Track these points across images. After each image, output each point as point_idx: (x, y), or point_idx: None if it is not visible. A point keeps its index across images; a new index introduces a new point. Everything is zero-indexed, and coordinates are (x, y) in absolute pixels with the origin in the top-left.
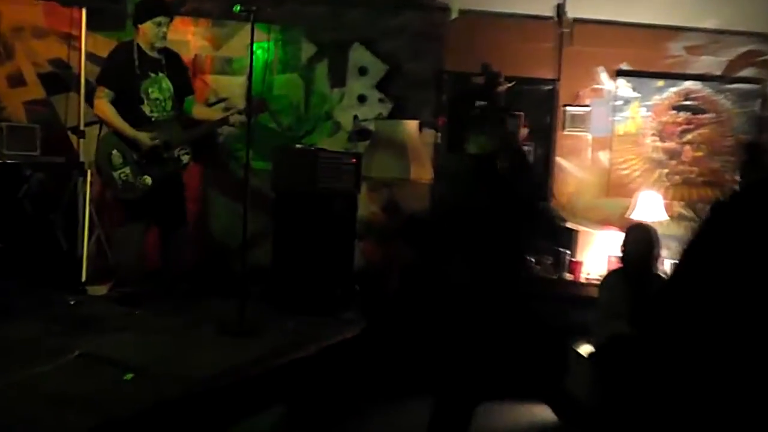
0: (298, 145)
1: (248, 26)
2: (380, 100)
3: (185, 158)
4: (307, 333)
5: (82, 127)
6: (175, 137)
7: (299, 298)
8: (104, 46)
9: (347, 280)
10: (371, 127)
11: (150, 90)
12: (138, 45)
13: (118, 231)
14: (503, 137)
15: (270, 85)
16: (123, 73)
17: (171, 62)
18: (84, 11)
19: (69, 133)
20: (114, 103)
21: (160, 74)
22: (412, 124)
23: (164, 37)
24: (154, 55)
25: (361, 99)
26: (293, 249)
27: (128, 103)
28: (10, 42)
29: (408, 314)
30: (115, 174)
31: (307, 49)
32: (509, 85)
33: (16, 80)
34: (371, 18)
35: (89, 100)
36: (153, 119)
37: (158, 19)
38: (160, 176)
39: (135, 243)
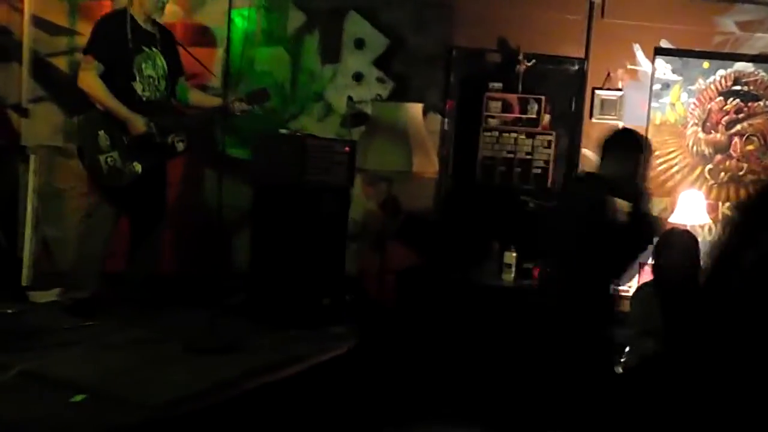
0: (282, 131)
1: None
2: (379, 79)
3: (180, 146)
4: (289, 350)
5: (25, 105)
6: (171, 122)
7: (281, 309)
8: (52, 8)
9: (337, 289)
10: (368, 110)
11: (143, 66)
12: (131, 15)
13: (86, 221)
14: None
15: (251, 60)
16: (114, 44)
17: (165, 38)
18: None
19: (9, 111)
20: (105, 78)
21: (154, 50)
22: (415, 108)
23: (162, 9)
24: (148, 28)
25: (357, 77)
26: (275, 252)
27: (118, 79)
28: None
29: (409, 328)
30: (101, 158)
31: (295, 18)
32: (529, 63)
33: None
34: None
35: (37, 73)
36: (144, 99)
37: None
38: (151, 164)
39: (103, 238)
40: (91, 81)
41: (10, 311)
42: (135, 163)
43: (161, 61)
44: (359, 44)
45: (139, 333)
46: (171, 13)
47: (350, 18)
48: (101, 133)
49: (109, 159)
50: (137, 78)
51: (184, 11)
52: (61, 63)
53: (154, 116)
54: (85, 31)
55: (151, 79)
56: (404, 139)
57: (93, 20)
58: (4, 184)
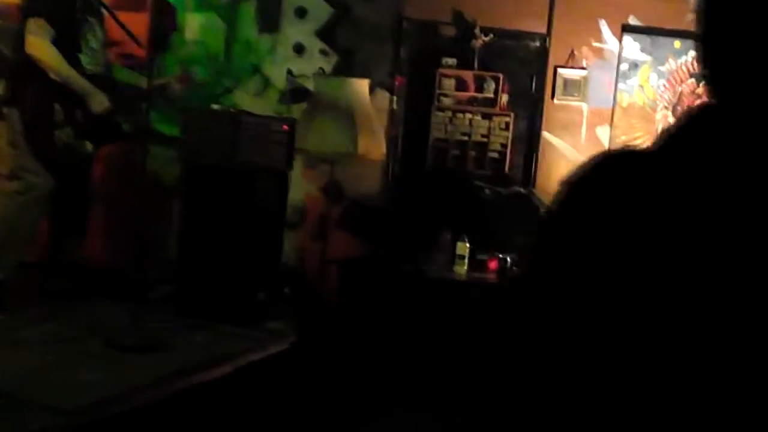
0: (214, 106)
1: None
2: (322, 52)
3: (125, 126)
4: (221, 347)
5: None
6: (118, 99)
7: (212, 303)
8: None
9: (274, 281)
10: (309, 85)
11: (89, 36)
12: None
13: (16, 198)
14: None
15: (180, 28)
16: (64, 8)
17: (98, 4)
18: None
19: None
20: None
21: (94, 19)
22: (361, 85)
23: None
24: None
25: (298, 49)
26: (205, 239)
27: (66, 50)
28: None
29: (353, 324)
30: (57, 133)
31: None
32: (486, 39)
33: None
34: None
35: None
36: (89, 73)
37: None
38: (101, 144)
39: (33, 221)
40: (43, 48)
41: None
42: (86, 142)
43: (101, 32)
44: (301, 13)
45: (55, 328)
46: None
47: None
48: (56, 106)
49: (62, 136)
50: (83, 49)
51: None
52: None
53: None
54: None
55: (94, 52)
56: (349, 118)
57: None
58: None
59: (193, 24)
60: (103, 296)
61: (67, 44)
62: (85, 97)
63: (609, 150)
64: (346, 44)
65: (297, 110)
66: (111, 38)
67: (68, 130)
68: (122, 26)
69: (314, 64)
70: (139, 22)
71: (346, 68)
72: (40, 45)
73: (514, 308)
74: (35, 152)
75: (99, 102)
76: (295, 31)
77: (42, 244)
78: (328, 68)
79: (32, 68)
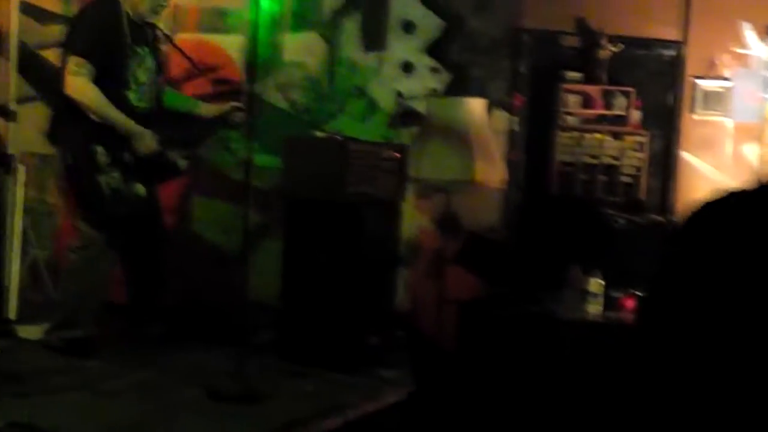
0: (317, 133)
1: None
2: (433, 70)
3: (182, 163)
4: (330, 397)
5: (12, 107)
6: (173, 135)
7: (318, 349)
8: None
9: (385, 324)
10: (420, 107)
11: (137, 71)
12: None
13: (77, 253)
14: None
15: (279, 49)
16: (107, 43)
17: (153, 33)
18: None
19: None
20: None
21: (146, 49)
22: (477, 105)
23: (159, 12)
24: (138, 20)
25: (407, 68)
26: (309, 279)
27: (111, 87)
28: None
29: (474, 371)
30: (102, 179)
31: None
32: (615, 48)
33: None
34: None
35: (25, 68)
36: (138, 110)
37: None
38: (154, 185)
39: (101, 272)
40: (84, 88)
41: None
42: (138, 185)
43: (151, 63)
44: (408, 27)
45: (147, 376)
46: None
47: None
48: (99, 149)
49: (110, 180)
50: (132, 85)
51: None
52: (53, 56)
53: (154, 129)
54: None
55: (143, 87)
56: (464, 141)
57: None
58: None
59: (292, 45)
60: (199, 341)
61: (113, 81)
62: (131, 138)
63: (759, 178)
64: (458, 60)
65: (407, 135)
66: (195, 66)
67: (116, 173)
68: (182, 52)
69: (424, 83)
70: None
71: (460, 87)
72: (79, 85)
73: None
74: (79, 200)
75: (145, 143)
76: (402, 48)
77: (123, 287)
78: (439, 88)
79: (73, 110)
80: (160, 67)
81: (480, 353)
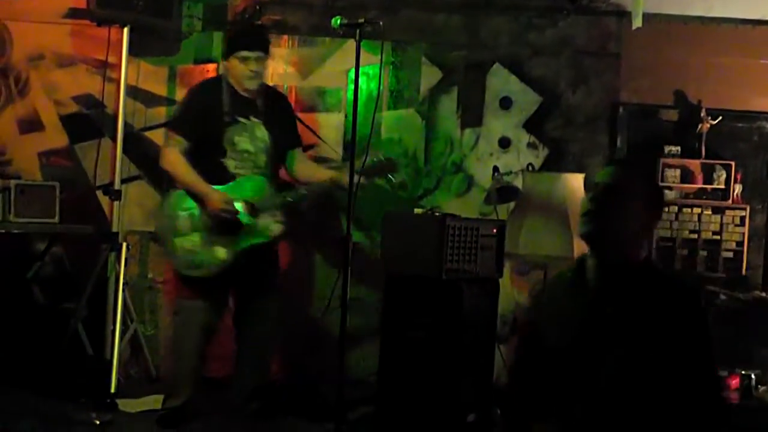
0: (416, 210)
1: (345, 45)
2: (530, 145)
3: (275, 227)
4: None
5: (117, 186)
6: (264, 199)
7: (417, 425)
8: (149, 77)
9: (484, 401)
10: (518, 183)
11: (237, 139)
12: (228, 81)
13: (174, 319)
14: None
15: (377, 126)
16: (204, 117)
17: (272, 104)
18: (126, 31)
19: (99, 193)
20: (191, 154)
21: (254, 120)
22: (575, 180)
23: (256, 77)
24: (249, 95)
25: (504, 143)
26: (408, 356)
27: (206, 155)
28: (23, 73)
29: None
30: (177, 241)
31: (429, 75)
32: (714, 122)
33: (30, 124)
34: (518, 29)
35: (130, 149)
36: (237, 177)
37: (243, 53)
38: (240, 250)
39: (195, 338)
40: (172, 158)
41: (97, 422)
42: (217, 249)
43: (262, 133)
44: (506, 103)
45: None
46: (282, 76)
47: (494, 72)
48: (182, 214)
49: (186, 243)
50: (228, 153)
51: (299, 72)
52: (158, 137)
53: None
54: None
55: (246, 154)
56: (563, 217)
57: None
58: (90, 276)
59: (390, 122)
60: (295, 416)
61: (208, 151)
62: (204, 199)
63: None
64: (556, 136)
65: (505, 210)
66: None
67: (195, 236)
68: (305, 125)
69: (522, 159)
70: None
71: (558, 162)
72: (167, 155)
73: None
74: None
75: (213, 201)
76: (499, 124)
77: (225, 360)
78: (537, 163)
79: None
80: (288, 134)
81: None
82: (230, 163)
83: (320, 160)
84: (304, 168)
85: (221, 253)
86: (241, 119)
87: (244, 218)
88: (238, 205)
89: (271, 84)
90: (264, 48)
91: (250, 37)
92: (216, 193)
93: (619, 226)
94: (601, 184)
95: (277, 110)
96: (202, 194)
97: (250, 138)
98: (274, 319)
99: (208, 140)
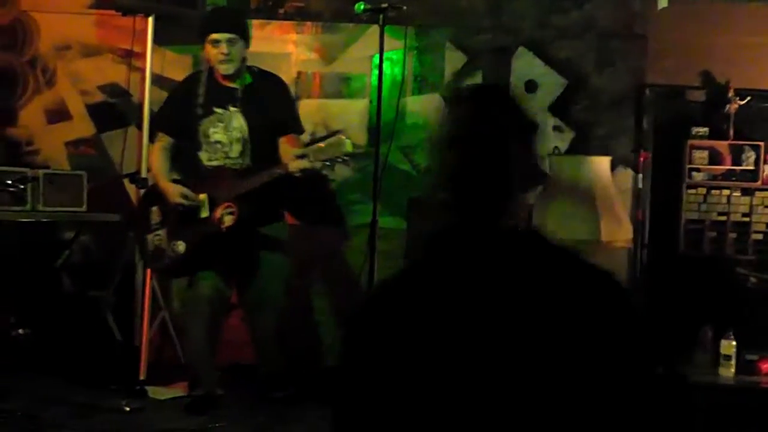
0: (440, 195)
1: (369, 31)
2: (556, 128)
3: (227, 219)
4: None
5: (144, 174)
6: (223, 191)
7: None
8: (175, 66)
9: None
10: (544, 166)
11: (210, 131)
12: (210, 73)
13: (180, 308)
14: None
15: (402, 111)
16: (180, 111)
17: (258, 89)
18: (150, 20)
19: (126, 181)
20: (176, 150)
21: (231, 109)
22: (601, 162)
23: (229, 61)
24: (229, 83)
25: None
26: None
27: (185, 149)
28: (50, 64)
29: None
30: (149, 237)
31: (454, 60)
32: (743, 102)
33: (57, 114)
34: (542, 11)
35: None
36: (210, 168)
37: (213, 36)
38: (193, 242)
39: (200, 325)
40: (152, 156)
41: (127, 409)
42: (179, 243)
43: (239, 122)
44: (531, 87)
45: None
46: (306, 63)
47: (519, 56)
48: (155, 209)
49: (156, 238)
50: (203, 145)
51: (322, 59)
52: None
53: (209, 186)
54: None
55: (218, 145)
56: (589, 200)
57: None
58: (118, 264)
59: (415, 107)
60: (320, 403)
61: (187, 144)
62: (166, 195)
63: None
64: (582, 118)
65: (531, 195)
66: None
67: (162, 231)
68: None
69: (548, 142)
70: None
71: (584, 145)
72: (152, 154)
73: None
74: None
75: (171, 196)
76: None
77: (247, 347)
78: (563, 146)
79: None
80: (278, 120)
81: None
82: (204, 156)
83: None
84: (284, 154)
85: (180, 247)
86: (218, 110)
87: (203, 211)
88: (202, 197)
89: (295, 71)
90: (236, 30)
91: (220, 20)
92: (173, 187)
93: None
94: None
95: (265, 95)
96: (163, 189)
97: (224, 128)
98: (271, 304)
99: (186, 134)
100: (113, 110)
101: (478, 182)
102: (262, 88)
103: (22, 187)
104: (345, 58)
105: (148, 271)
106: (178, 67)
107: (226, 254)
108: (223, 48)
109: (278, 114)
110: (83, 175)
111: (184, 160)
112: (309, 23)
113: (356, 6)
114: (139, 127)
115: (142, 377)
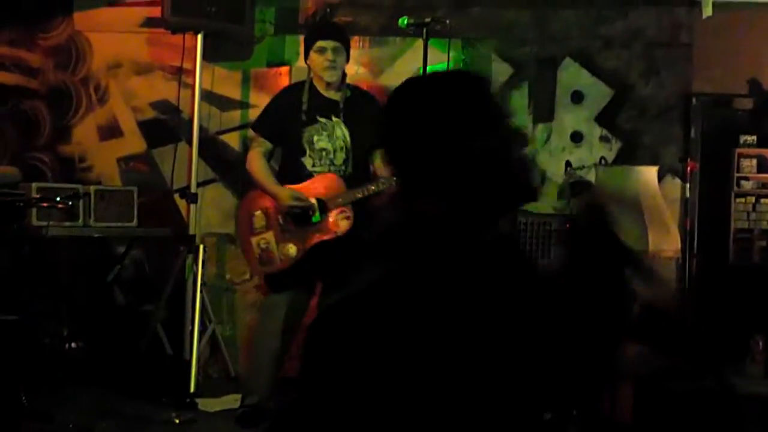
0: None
1: (415, 44)
2: (603, 139)
3: (343, 224)
4: None
5: (194, 189)
6: (334, 196)
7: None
8: (224, 82)
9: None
10: (591, 177)
11: (315, 138)
12: (311, 84)
13: (257, 316)
14: None
15: None
16: (284, 118)
17: (356, 104)
18: (199, 38)
19: (176, 196)
20: (270, 156)
21: (334, 119)
22: (649, 172)
23: (334, 68)
24: (331, 95)
25: (576, 137)
26: None
27: (288, 155)
28: (102, 82)
29: None
30: (254, 240)
31: (500, 71)
32: None
33: (110, 130)
34: (588, 22)
35: (206, 152)
36: (315, 175)
37: (319, 44)
38: (304, 245)
39: (274, 334)
40: (250, 159)
41: (177, 421)
42: (290, 245)
43: (342, 131)
44: (577, 97)
45: None
46: (355, 76)
47: (565, 67)
48: (258, 212)
49: (261, 241)
50: (307, 152)
51: (370, 72)
52: (233, 140)
53: (315, 191)
54: (259, 102)
55: (323, 152)
56: (637, 210)
57: (266, 90)
58: (169, 278)
59: None
60: None
61: (290, 150)
62: (275, 198)
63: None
64: (628, 128)
65: (578, 205)
66: None
67: (268, 235)
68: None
69: (595, 153)
70: None
71: (631, 155)
72: (249, 158)
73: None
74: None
75: (282, 199)
76: (571, 118)
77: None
78: (610, 156)
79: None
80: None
81: (658, 430)
82: (308, 162)
83: None
84: (378, 167)
85: (292, 250)
86: (321, 119)
87: (315, 216)
88: (314, 201)
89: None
90: (340, 38)
91: (327, 28)
92: (284, 190)
93: None
94: None
95: (362, 109)
96: (272, 192)
97: (328, 137)
98: None
99: (289, 140)
100: (164, 126)
101: (486, 195)
102: (360, 102)
103: (72, 203)
104: (392, 71)
105: (199, 283)
106: (227, 82)
107: (336, 261)
108: (329, 55)
109: (373, 129)
110: (134, 190)
111: (284, 165)
112: (357, 37)
113: (400, 21)
114: (189, 142)
115: (192, 389)
